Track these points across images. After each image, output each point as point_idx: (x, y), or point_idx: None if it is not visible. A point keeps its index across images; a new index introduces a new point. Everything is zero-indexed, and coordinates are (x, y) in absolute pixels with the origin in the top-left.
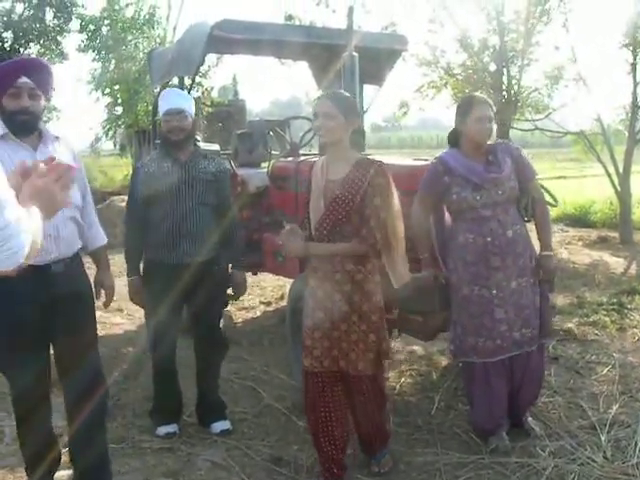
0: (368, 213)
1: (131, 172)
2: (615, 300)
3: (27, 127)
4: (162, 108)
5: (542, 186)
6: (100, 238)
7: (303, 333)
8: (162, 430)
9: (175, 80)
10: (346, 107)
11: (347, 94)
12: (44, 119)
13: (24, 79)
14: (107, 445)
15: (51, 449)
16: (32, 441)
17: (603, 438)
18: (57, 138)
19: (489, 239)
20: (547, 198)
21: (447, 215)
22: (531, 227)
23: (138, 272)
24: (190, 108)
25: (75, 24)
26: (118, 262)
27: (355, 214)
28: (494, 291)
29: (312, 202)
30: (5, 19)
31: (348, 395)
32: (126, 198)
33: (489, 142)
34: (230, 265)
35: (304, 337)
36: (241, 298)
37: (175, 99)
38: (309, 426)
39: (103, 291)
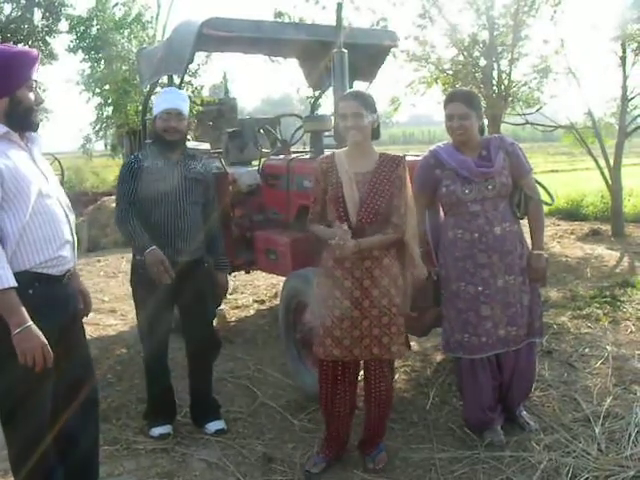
0: (396, 203)
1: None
2: (608, 293)
3: (36, 124)
4: (160, 106)
5: (539, 183)
6: None
7: (325, 324)
8: (156, 431)
9: (165, 79)
10: (369, 105)
11: (366, 92)
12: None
13: (36, 72)
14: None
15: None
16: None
17: (597, 430)
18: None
19: (476, 235)
20: (543, 195)
21: (441, 211)
22: (524, 223)
23: (152, 242)
24: (187, 110)
25: (64, 25)
26: (112, 263)
27: (388, 204)
28: (480, 287)
29: (347, 194)
30: None
31: (368, 384)
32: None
33: (485, 137)
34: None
35: (329, 328)
36: (235, 297)
37: (176, 99)
38: (324, 413)
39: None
